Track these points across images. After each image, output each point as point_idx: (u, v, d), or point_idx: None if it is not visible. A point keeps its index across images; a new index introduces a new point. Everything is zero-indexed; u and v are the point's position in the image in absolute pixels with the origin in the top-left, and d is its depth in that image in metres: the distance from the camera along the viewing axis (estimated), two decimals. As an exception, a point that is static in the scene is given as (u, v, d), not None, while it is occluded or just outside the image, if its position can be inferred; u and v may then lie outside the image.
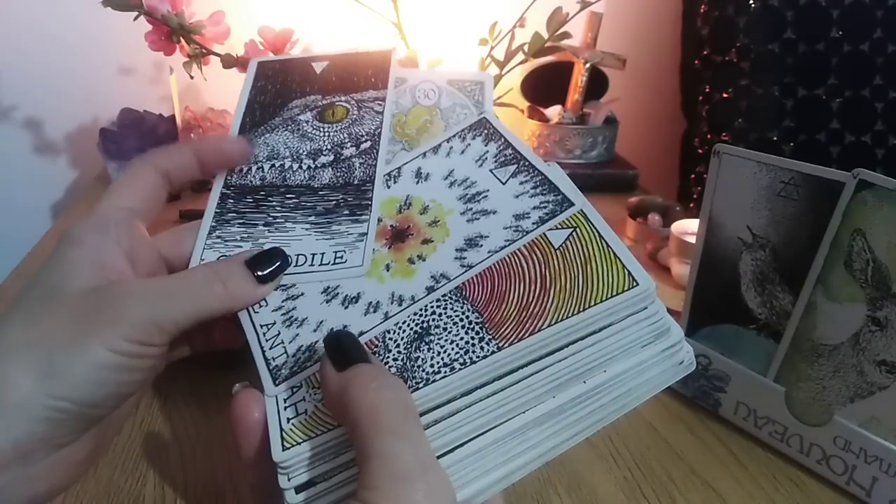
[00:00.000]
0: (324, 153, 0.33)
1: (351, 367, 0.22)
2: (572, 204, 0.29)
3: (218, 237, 0.30)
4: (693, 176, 1.06)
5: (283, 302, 0.28)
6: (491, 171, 0.32)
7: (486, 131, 0.34)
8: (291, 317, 0.28)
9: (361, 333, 0.26)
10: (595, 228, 0.27)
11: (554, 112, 0.96)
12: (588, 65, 0.93)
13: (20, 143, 1.02)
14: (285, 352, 0.26)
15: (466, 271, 0.28)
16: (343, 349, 0.23)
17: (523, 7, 0.75)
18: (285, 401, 0.25)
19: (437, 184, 0.32)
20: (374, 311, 0.27)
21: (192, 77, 0.69)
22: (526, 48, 0.76)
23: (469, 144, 0.34)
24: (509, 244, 0.28)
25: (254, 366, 0.27)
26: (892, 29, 0.94)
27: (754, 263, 0.43)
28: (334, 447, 0.24)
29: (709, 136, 1.02)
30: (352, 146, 0.33)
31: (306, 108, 0.35)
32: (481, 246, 0.29)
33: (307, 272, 0.29)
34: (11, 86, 0.99)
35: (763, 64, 0.96)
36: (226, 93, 0.88)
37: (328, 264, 0.29)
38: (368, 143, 0.33)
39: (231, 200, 0.32)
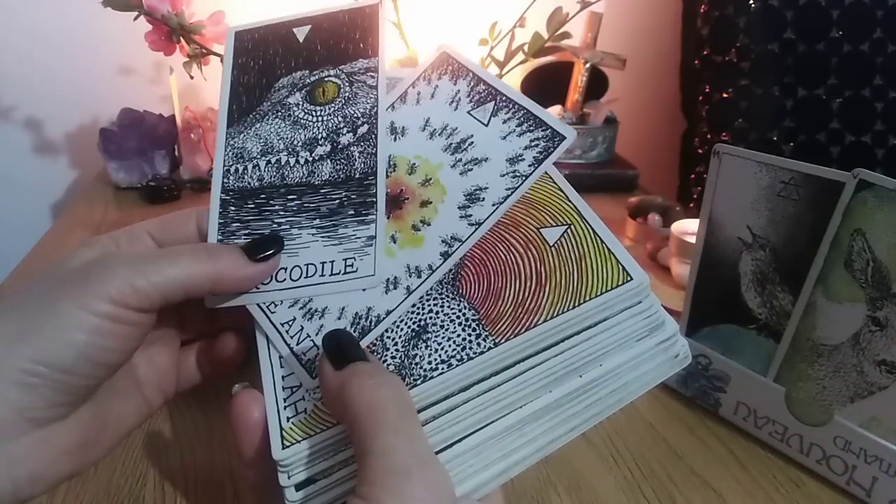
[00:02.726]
0: (320, 142, 0.31)
1: (349, 365, 0.23)
2: (564, 137, 0.29)
3: None
4: (693, 176, 1.06)
5: (297, 297, 0.28)
6: (469, 112, 0.31)
7: (450, 67, 0.33)
8: (310, 309, 0.27)
9: (389, 312, 0.26)
10: (590, 225, 0.27)
11: (554, 112, 0.96)
12: (588, 65, 0.93)
13: (20, 144, 1.02)
14: (314, 344, 0.26)
15: (477, 229, 0.27)
16: (341, 348, 0.24)
17: (523, 7, 0.75)
18: (285, 400, 0.25)
19: (416, 137, 0.31)
20: (395, 288, 0.27)
21: (192, 77, 0.69)
22: (526, 48, 0.76)
23: (437, 86, 0.32)
24: (511, 192, 0.28)
25: (256, 366, 0.27)
26: (892, 29, 0.94)
27: (754, 263, 0.43)
28: (333, 445, 0.24)
29: (709, 136, 1.02)
30: (348, 132, 0.31)
31: (294, 87, 0.32)
32: (483, 199, 0.28)
33: (318, 283, 0.28)
34: (11, 86, 0.99)
35: (763, 64, 0.96)
36: (226, 93, 0.88)
37: (339, 274, 0.28)
38: (366, 127, 0.31)
39: (233, 207, 0.30)
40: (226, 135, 0.32)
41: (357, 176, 0.30)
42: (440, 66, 0.33)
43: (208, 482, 0.40)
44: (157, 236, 0.29)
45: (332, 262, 0.28)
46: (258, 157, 0.31)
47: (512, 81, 0.92)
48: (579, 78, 0.93)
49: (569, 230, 0.27)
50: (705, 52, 1.01)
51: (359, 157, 0.30)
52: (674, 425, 0.46)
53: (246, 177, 0.31)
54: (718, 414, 0.46)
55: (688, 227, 0.65)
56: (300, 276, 0.28)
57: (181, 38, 0.69)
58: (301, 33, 0.34)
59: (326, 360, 0.23)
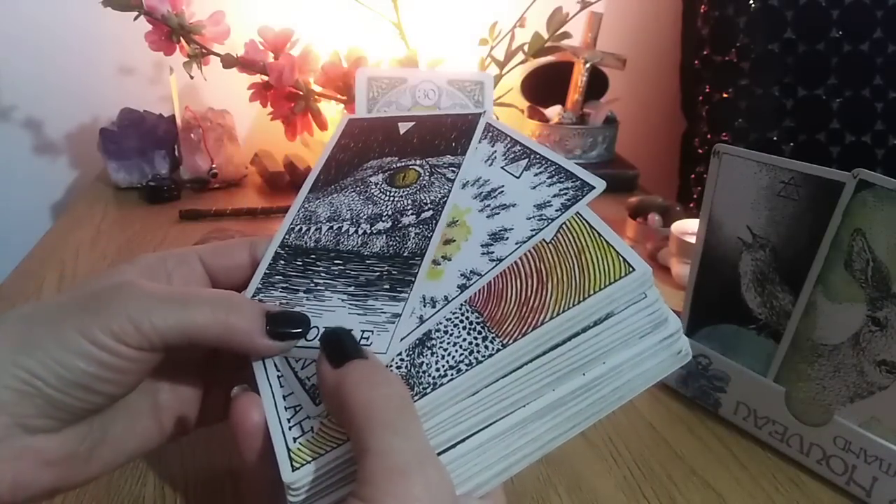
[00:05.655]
0: (383, 219, 0.31)
1: (346, 363, 0.23)
2: (593, 187, 0.29)
3: (259, 301, 0.29)
4: (693, 176, 1.06)
5: (305, 357, 0.27)
6: (502, 167, 0.32)
7: (490, 133, 0.34)
8: None
9: (401, 339, 0.26)
10: (583, 219, 0.27)
11: (554, 112, 0.96)
12: (588, 65, 0.93)
13: (20, 143, 1.02)
14: None
15: (497, 265, 0.27)
16: (339, 345, 0.24)
17: (523, 7, 0.75)
18: (289, 420, 0.25)
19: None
20: (409, 317, 0.27)
21: (192, 77, 0.69)
22: (526, 48, 0.76)
23: (476, 148, 0.33)
24: (536, 233, 0.28)
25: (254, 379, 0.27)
26: (892, 29, 0.94)
27: (754, 263, 0.43)
28: (343, 463, 0.23)
29: (709, 136, 1.02)
30: (412, 214, 0.31)
31: (380, 169, 0.34)
32: (507, 239, 0.28)
33: None
34: (11, 86, 0.99)
35: (763, 64, 0.96)
36: (226, 93, 0.88)
37: None
38: (430, 213, 0.31)
39: (282, 262, 0.31)
40: (304, 199, 0.34)
41: (405, 254, 0.30)
42: (481, 133, 0.35)
43: (208, 482, 0.40)
44: (208, 261, 0.29)
45: (349, 330, 0.27)
46: (324, 221, 0.32)
47: (512, 81, 0.92)
48: (579, 78, 0.93)
49: (563, 225, 0.28)
50: (705, 52, 1.01)
51: (413, 238, 0.30)
52: (674, 425, 0.46)
53: (305, 237, 0.32)
54: (718, 414, 0.46)
55: (688, 227, 0.65)
56: (314, 338, 0.27)
57: (181, 38, 0.69)
58: (404, 127, 0.36)
59: (324, 358, 0.23)
